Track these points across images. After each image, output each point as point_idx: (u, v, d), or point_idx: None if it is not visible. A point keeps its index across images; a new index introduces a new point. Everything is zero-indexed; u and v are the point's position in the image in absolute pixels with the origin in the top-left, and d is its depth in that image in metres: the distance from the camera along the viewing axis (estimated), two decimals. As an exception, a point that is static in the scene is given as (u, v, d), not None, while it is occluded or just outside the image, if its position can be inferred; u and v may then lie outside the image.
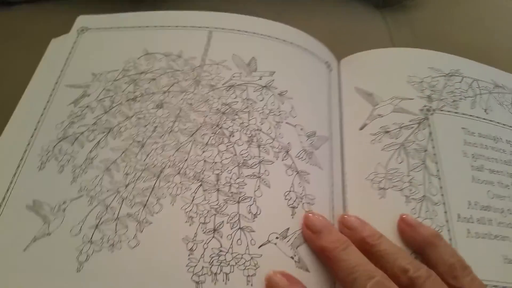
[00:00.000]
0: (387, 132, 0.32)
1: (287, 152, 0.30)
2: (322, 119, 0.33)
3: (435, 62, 0.36)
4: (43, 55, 0.36)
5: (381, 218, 0.29)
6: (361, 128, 0.33)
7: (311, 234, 0.27)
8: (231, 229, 0.26)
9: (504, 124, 0.34)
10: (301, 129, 0.31)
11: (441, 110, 0.34)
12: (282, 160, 0.30)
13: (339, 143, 0.33)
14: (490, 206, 0.30)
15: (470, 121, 0.34)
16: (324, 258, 0.26)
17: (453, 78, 0.36)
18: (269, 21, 0.36)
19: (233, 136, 0.30)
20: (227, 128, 0.30)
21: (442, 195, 0.30)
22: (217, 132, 0.30)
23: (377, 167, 0.31)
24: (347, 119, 0.34)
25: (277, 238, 0.27)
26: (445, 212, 0.29)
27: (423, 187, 0.30)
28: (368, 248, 0.26)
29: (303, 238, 0.27)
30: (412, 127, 0.33)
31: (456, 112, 0.34)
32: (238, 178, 0.28)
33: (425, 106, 0.34)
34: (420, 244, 0.27)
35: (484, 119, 0.34)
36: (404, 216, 0.28)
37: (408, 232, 0.28)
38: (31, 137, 0.30)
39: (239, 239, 0.26)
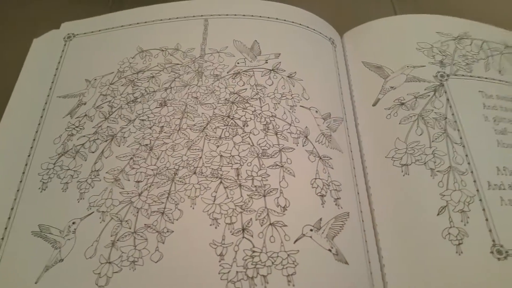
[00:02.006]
0: (402, 104, 0.29)
1: (306, 137, 0.27)
2: (334, 99, 0.30)
3: (442, 26, 0.33)
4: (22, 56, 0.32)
5: (407, 197, 0.26)
6: (375, 104, 0.30)
7: None
8: (261, 226, 0.23)
9: None
10: (316, 111, 0.28)
11: (455, 75, 0.31)
12: (303, 145, 0.26)
13: (354, 122, 0.30)
14: None
15: (486, 83, 0.31)
16: None
17: (462, 41, 0.33)
18: (266, 1, 0.32)
19: (247, 125, 0.26)
20: (239, 118, 0.27)
21: (469, 163, 0.27)
22: (229, 124, 0.26)
23: (396, 142, 0.28)
24: (358, 96, 0.31)
25: (311, 230, 0.23)
26: (474, 181, 0.26)
27: (448, 157, 0.27)
28: None
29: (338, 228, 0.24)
30: (429, 95, 0.29)
31: (471, 76, 0.31)
32: (259, 170, 0.25)
33: (438, 72, 0.31)
34: None
35: (500, 80, 0.31)
36: None
37: None
38: (28, 156, 0.27)
39: (272, 235, 0.23)
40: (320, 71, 0.30)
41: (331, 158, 0.26)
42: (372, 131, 0.29)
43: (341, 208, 0.25)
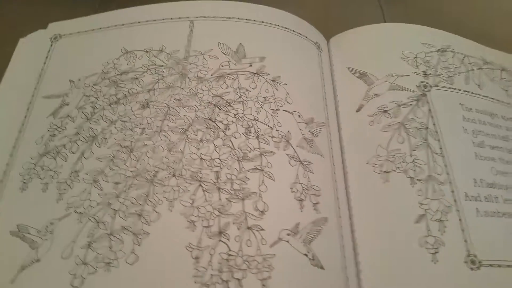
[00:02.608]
0: (385, 111, 0.29)
1: (287, 141, 0.27)
2: (318, 104, 0.29)
3: (427, 37, 0.34)
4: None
5: (386, 204, 0.26)
6: (358, 110, 0.30)
7: None
8: (239, 229, 0.23)
9: (497, 100, 0.32)
10: (299, 115, 0.28)
11: (438, 86, 0.31)
12: (284, 150, 0.26)
13: (336, 128, 0.30)
14: (495, 183, 0.27)
15: (466, 96, 0.31)
16: None
17: (445, 54, 0.33)
18: (252, 4, 0.32)
19: (228, 128, 0.26)
20: (221, 121, 0.27)
21: (448, 173, 0.27)
22: (211, 126, 0.26)
23: (378, 149, 0.28)
24: (342, 102, 0.31)
25: (288, 234, 0.23)
26: (452, 191, 0.26)
27: (428, 166, 0.27)
28: None
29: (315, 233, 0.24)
30: (411, 105, 0.30)
31: (452, 88, 0.31)
32: (239, 173, 0.25)
33: (422, 82, 0.31)
34: None
35: (478, 94, 0.32)
36: None
37: None
38: (10, 156, 0.27)
39: (249, 239, 0.23)
40: (304, 76, 0.30)
41: (312, 163, 0.26)
42: (354, 137, 0.29)
43: (320, 213, 0.25)
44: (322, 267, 0.23)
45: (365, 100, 0.30)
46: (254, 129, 0.26)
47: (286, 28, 0.32)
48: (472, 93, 0.31)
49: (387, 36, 0.33)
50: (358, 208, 0.26)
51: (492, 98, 0.32)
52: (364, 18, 0.41)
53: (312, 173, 0.26)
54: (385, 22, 0.41)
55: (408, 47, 0.32)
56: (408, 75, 0.31)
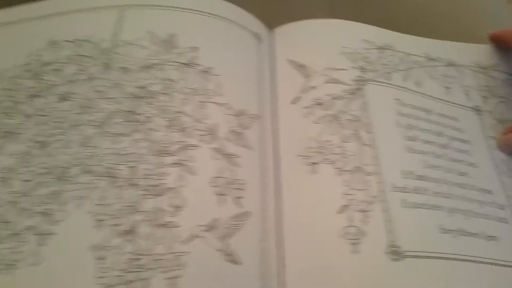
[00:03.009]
0: (320, 104, 0.29)
1: (213, 134, 0.25)
2: (252, 96, 0.28)
3: (368, 35, 0.34)
4: None
5: (313, 195, 0.25)
6: (294, 102, 0.29)
7: None
8: (150, 227, 0.22)
9: (435, 97, 0.32)
10: (229, 108, 0.27)
11: (374, 81, 0.31)
12: (208, 143, 0.25)
13: (272, 119, 0.29)
14: (425, 176, 0.27)
15: (403, 92, 0.31)
16: None
17: (385, 51, 0.33)
18: (187, -7, 0.31)
19: (150, 121, 0.25)
20: (142, 114, 0.25)
21: (376, 165, 0.26)
22: (131, 119, 0.25)
23: (309, 141, 0.27)
24: (280, 94, 0.30)
25: (204, 230, 0.22)
26: (378, 182, 0.26)
27: (356, 157, 0.26)
28: None
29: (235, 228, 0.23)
30: (345, 98, 0.29)
31: (389, 83, 0.31)
32: (157, 168, 0.24)
33: (358, 76, 0.30)
34: None
35: (415, 91, 0.31)
36: None
37: None
38: None
39: (160, 237, 0.21)
40: (239, 67, 0.29)
41: (238, 156, 0.25)
42: (288, 129, 0.28)
43: (242, 207, 0.24)
44: (238, 263, 0.22)
45: (302, 92, 0.29)
46: (178, 122, 0.25)
47: (222, 17, 0.30)
48: (409, 89, 0.31)
49: (329, 31, 0.33)
50: (287, 201, 0.26)
51: (430, 96, 0.32)
52: (313, 11, 0.40)
53: (238, 166, 0.25)
54: (333, 17, 0.40)
55: (348, 43, 0.32)
56: (346, 70, 0.31)
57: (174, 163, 0.24)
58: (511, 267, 0.25)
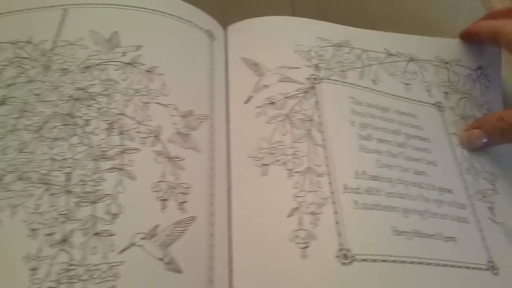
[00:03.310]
0: (272, 103, 0.28)
1: (156, 136, 0.24)
2: (201, 96, 0.28)
3: (324, 32, 0.32)
4: None
5: (264, 198, 0.24)
6: (246, 102, 0.28)
7: None
8: (85, 236, 0.21)
9: (393, 95, 0.31)
10: (175, 108, 0.26)
11: (329, 79, 0.30)
12: (151, 146, 0.24)
13: (225, 120, 0.28)
14: (379, 176, 0.26)
15: (358, 91, 0.30)
16: None
17: (341, 49, 0.32)
18: (133, -11, 0.30)
19: (88, 125, 0.24)
20: (81, 117, 0.24)
21: (328, 165, 0.26)
22: (69, 123, 0.24)
23: (260, 142, 0.26)
24: (233, 93, 0.29)
25: (143, 238, 0.21)
26: (330, 183, 0.25)
27: (307, 158, 0.26)
28: None
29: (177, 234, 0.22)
30: (298, 97, 0.28)
31: (344, 82, 0.30)
32: (94, 173, 0.23)
33: (312, 75, 0.30)
34: None
35: (372, 89, 0.31)
36: None
37: None
38: None
39: (95, 246, 0.21)
40: (188, 66, 0.28)
41: (183, 159, 0.24)
42: (240, 130, 0.28)
43: (186, 212, 0.23)
44: (180, 271, 0.21)
45: (255, 91, 0.29)
46: (119, 124, 0.24)
47: (170, 15, 0.29)
48: (365, 87, 0.30)
49: (283, 28, 0.32)
50: (236, 204, 0.25)
51: (387, 93, 0.31)
52: (277, 9, 0.39)
53: (183, 169, 0.24)
54: (297, 14, 0.39)
55: (303, 41, 0.31)
56: (300, 68, 0.30)
57: (113, 168, 0.23)
58: (469, 268, 0.25)
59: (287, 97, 0.28)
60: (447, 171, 0.29)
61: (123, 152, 0.23)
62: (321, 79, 0.30)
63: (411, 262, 0.24)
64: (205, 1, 0.33)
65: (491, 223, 0.27)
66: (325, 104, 0.28)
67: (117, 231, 0.21)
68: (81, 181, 0.22)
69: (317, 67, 0.30)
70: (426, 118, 0.31)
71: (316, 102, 0.28)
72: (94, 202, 0.22)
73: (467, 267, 0.25)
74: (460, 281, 0.24)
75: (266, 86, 0.29)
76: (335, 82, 0.30)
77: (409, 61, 0.33)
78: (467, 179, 0.29)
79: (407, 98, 0.31)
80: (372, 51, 0.33)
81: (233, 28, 0.32)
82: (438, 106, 0.32)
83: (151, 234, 0.22)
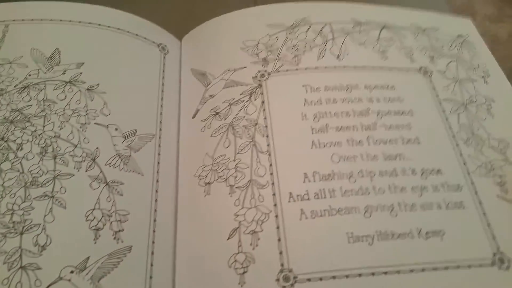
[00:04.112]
0: (217, 113, 0.26)
1: (93, 160, 0.23)
2: (148, 113, 0.26)
3: (275, 17, 0.30)
4: None
5: (205, 221, 0.23)
6: (194, 116, 0.27)
7: None
8: (9, 270, 0.20)
9: (364, 66, 0.28)
10: (116, 129, 0.25)
11: (278, 71, 0.27)
12: (86, 170, 0.23)
13: (175, 138, 0.26)
14: (333, 173, 0.23)
15: (314, 74, 0.27)
16: None
17: (296, 29, 0.29)
18: (79, 4, 0.28)
19: (21, 149, 0.23)
20: (14, 141, 0.23)
21: (272, 174, 0.23)
22: (1, 147, 0.23)
23: (204, 158, 0.25)
24: (183, 108, 0.28)
25: (72, 272, 0.20)
26: (274, 194, 0.23)
27: (250, 169, 0.24)
28: None
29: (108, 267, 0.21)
30: (243, 101, 0.26)
31: (296, 69, 0.27)
32: (23, 202, 0.22)
33: (259, 71, 0.27)
34: None
35: (334, 67, 0.27)
36: None
37: None
38: None
39: (19, 282, 0.20)
40: (134, 82, 0.27)
41: (123, 183, 0.23)
42: (187, 147, 0.26)
43: (122, 242, 0.22)
44: (111, 306, 0.20)
45: (201, 103, 0.27)
46: (53, 148, 0.23)
47: (118, 29, 0.28)
48: (325, 67, 0.27)
49: (231, 26, 0.30)
50: (181, 229, 0.24)
51: (355, 67, 0.28)
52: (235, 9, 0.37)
53: (121, 195, 0.23)
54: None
55: (250, 34, 0.29)
56: (246, 67, 0.27)
57: (43, 196, 0.22)
58: (463, 267, 0.21)
59: (231, 104, 0.26)
60: (435, 147, 0.25)
61: (55, 178, 0.22)
62: (269, 73, 0.27)
63: (372, 274, 0.21)
64: (162, 14, 0.31)
65: (501, 202, 0.24)
66: (272, 102, 0.26)
67: (44, 264, 0.20)
68: (9, 210, 0.21)
69: (265, 60, 0.28)
70: (408, 87, 0.27)
71: (263, 102, 0.26)
72: (21, 233, 0.21)
73: (458, 266, 0.21)
74: (450, 284, 0.21)
75: (211, 96, 0.27)
76: (286, 72, 0.27)
77: (382, 28, 0.30)
78: (465, 152, 0.25)
79: (383, 67, 0.28)
80: (337, 22, 0.30)
81: (187, 38, 0.31)
82: (424, 70, 0.28)
83: (82, 267, 0.20)
